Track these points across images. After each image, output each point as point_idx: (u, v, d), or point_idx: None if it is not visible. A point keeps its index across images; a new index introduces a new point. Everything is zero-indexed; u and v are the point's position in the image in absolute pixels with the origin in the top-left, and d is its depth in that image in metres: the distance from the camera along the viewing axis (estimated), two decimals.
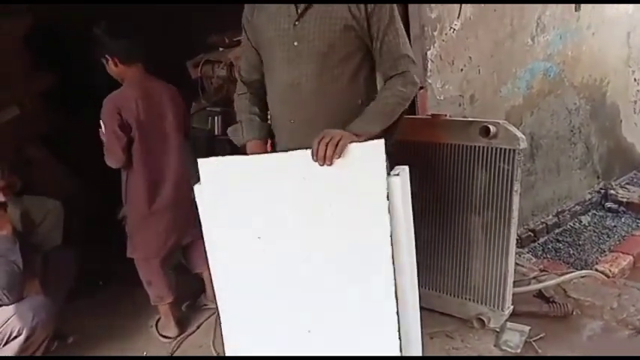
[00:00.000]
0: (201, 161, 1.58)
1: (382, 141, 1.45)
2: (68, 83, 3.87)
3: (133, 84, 2.26)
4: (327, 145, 1.44)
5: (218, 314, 1.78)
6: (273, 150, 1.81)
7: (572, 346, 2.02)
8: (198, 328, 2.49)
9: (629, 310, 2.21)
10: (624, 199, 3.58)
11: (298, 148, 1.61)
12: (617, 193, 3.66)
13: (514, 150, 2.02)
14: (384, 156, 1.45)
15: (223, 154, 2.75)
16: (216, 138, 2.84)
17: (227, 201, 1.59)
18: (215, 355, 2.24)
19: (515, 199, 2.06)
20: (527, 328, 2.11)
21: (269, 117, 1.83)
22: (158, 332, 2.45)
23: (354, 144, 1.47)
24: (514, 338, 2.07)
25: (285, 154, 1.58)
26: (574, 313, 2.23)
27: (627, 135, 3.91)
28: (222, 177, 1.58)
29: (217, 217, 1.61)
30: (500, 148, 2.04)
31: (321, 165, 1.46)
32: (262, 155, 1.68)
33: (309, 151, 1.48)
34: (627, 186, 3.79)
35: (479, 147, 2.10)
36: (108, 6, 3.15)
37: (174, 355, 2.29)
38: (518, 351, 2.01)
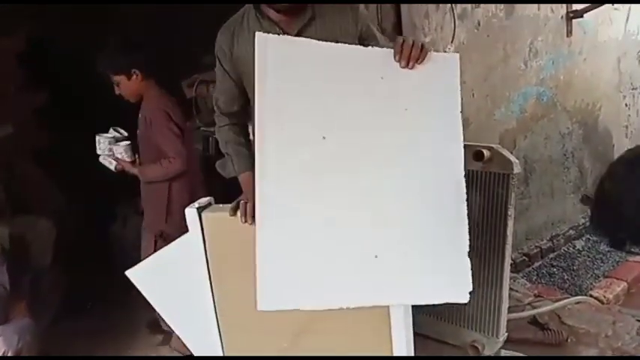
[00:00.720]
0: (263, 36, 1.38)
1: (457, 55, 1.40)
2: (60, 100, 3.87)
3: (157, 96, 2.29)
4: (411, 47, 1.37)
5: None
6: None
7: None
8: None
9: (624, 338, 2.19)
10: None
11: None
12: None
13: (508, 175, 2.01)
14: (458, 70, 1.39)
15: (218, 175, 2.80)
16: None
17: (291, 88, 1.40)
18: None
19: (510, 224, 2.04)
20: (521, 356, 2.08)
21: None
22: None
23: (433, 52, 1.40)
24: None
25: (365, 49, 1.44)
26: (569, 340, 2.21)
27: None
28: (290, 58, 1.40)
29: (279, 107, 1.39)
30: (494, 173, 2.04)
31: (403, 67, 1.37)
32: (337, 45, 1.42)
33: (391, 50, 1.39)
34: None
35: (472, 171, 2.09)
36: (98, 24, 3.16)
37: None
38: None
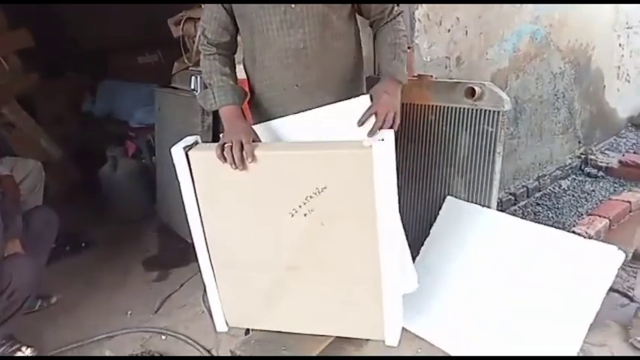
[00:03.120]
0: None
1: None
2: (46, 43, 3.76)
3: None
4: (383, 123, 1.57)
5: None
6: (256, 116, 1.79)
7: None
8: (181, 287, 2.51)
9: None
10: (603, 164, 3.63)
11: (299, 109, 1.67)
12: (597, 158, 3.70)
13: (498, 112, 2.02)
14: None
15: (207, 115, 2.77)
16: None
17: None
18: (204, 309, 2.26)
19: (498, 160, 2.07)
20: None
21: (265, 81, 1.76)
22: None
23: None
24: None
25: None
26: None
27: (609, 100, 3.94)
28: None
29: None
30: (485, 110, 2.04)
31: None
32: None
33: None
34: (607, 151, 3.84)
35: (464, 108, 2.09)
36: None
37: (157, 311, 2.31)
38: None
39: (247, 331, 2.02)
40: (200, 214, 1.67)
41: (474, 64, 2.75)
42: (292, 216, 1.57)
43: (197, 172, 1.61)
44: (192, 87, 2.77)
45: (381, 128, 1.57)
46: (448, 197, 2.10)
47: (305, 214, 1.55)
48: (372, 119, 1.59)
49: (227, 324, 1.86)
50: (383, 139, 1.46)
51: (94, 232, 3.13)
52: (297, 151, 1.55)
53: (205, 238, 1.72)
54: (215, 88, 1.66)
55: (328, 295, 1.66)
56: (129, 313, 2.32)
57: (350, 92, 1.73)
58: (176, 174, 1.65)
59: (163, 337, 2.11)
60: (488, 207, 2.12)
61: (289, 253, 1.64)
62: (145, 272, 2.72)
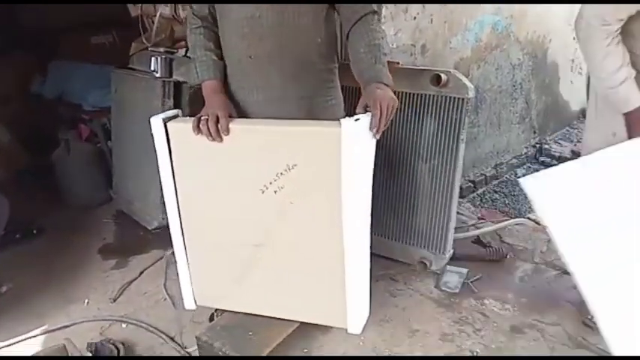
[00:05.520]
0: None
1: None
2: None
3: None
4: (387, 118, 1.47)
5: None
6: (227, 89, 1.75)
7: (506, 286, 2.16)
8: (141, 274, 2.44)
9: (556, 253, 2.35)
10: (557, 154, 3.78)
11: (254, 86, 1.65)
12: (551, 147, 3.86)
13: (463, 99, 2.05)
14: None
15: (169, 98, 2.69)
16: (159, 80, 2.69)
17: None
18: (167, 297, 2.21)
19: (461, 146, 2.11)
20: (465, 270, 2.23)
21: (226, 52, 1.71)
22: None
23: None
24: (453, 279, 2.19)
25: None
26: (508, 256, 2.38)
27: (563, 92, 4.10)
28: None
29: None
30: (450, 97, 2.07)
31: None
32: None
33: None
34: (560, 141, 4.01)
35: (429, 95, 2.12)
36: None
37: (116, 299, 2.24)
38: (457, 291, 2.13)
39: (211, 317, 1.99)
40: (175, 188, 1.68)
41: (438, 52, 2.79)
42: (263, 193, 1.56)
43: (175, 144, 1.63)
44: (153, 68, 2.67)
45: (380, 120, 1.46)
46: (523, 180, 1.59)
47: (275, 191, 1.55)
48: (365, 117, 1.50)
49: (195, 302, 1.83)
50: (358, 119, 1.44)
51: (46, 219, 2.98)
52: (271, 127, 1.55)
53: (179, 213, 1.71)
54: (197, 63, 1.67)
55: (294, 277, 1.65)
56: (86, 301, 2.24)
57: (315, 82, 1.69)
58: (154, 145, 1.65)
59: (124, 325, 2.05)
60: (451, 194, 2.17)
61: (259, 230, 1.63)
62: (102, 260, 2.61)
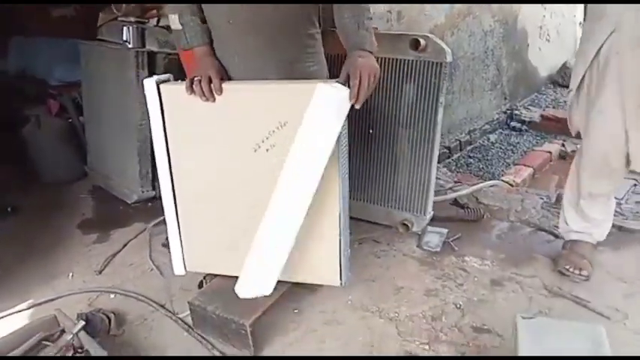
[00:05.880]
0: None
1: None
2: None
3: None
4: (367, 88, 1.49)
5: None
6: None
7: (484, 244, 2.25)
8: (124, 247, 2.42)
9: (530, 212, 2.48)
10: (527, 119, 3.90)
11: (234, 51, 1.65)
12: (521, 113, 3.97)
13: (441, 63, 2.09)
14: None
15: (142, 68, 2.63)
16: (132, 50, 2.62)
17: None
18: (154, 267, 2.21)
19: (440, 110, 2.16)
20: (445, 231, 2.30)
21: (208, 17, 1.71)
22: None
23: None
24: (434, 239, 2.27)
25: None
26: (485, 216, 2.47)
27: (532, 59, 4.20)
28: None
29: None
30: (429, 61, 2.10)
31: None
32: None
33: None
34: (529, 107, 4.13)
35: (408, 60, 2.14)
36: None
37: (101, 272, 2.23)
38: (438, 250, 2.21)
39: (200, 284, 2.01)
40: (167, 151, 1.70)
41: (414, 19, 2.81)
42: (255, 151, 1.60)
43: (167, 106, 1.66)
44: (125, 38, 2.61)
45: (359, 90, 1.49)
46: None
47: (267, 150, 1.59)
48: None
49: (185, 268, 1.85)
50: (335, 87, 1.47)
51: (20, 197, 2.92)
52: (263, 86, 1.59)
53: (171, 175, 1.73)
54: (187, 29, 1.68)
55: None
56: (70, 275, 2.22)
57: (294, 47, 1.68)
58: (146, 108, 1.68)
59: (112, 296, 2.05)
60: (431, 157, 2.22)
61: (251, 190, 1.65)
62: (82, 235, 2.58)
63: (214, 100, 1.59)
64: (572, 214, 2.04)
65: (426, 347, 1.70)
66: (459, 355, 1.66)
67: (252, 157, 1.60)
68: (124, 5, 2.83)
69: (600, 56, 1.76)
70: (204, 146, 1.65)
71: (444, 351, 1.68)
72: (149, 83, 1.64)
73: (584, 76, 1.85)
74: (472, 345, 1.70)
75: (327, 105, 1.46)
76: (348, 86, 1.51)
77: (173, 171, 1.72)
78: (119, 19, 2.84)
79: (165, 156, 1.70)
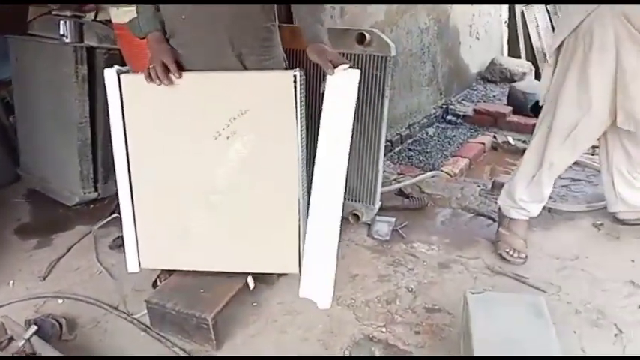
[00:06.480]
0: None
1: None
2: None
3: None
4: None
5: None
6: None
7: (430, 230, 2.38)
8: (68, 250, 2.33)
9: (469, 199, 2.64)
10: (461, 113, 4.11)
11: (189, 43, 1.66)
12: (456, 107, 4.18)
13: (386, 57, 2.18)
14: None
15: (82, 64, 2.53)
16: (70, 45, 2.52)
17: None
18: (102, 269, 2.15)
19: (386, 103, 2.25)
20: (393, 219, 2.40)
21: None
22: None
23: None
24: (383, 228, 2.36)
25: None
26: (429, 204, 2.60)
27: (464, 56, 4.43)
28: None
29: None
30: (374, 55, 2.18)
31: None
32: None
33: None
34: (463, 102, 4.35)
35: (354, 54, 2.21)
36: None
37: (46, 277, 2.14)
38: (388, 238, 2.30)
39: (154, 283, 1.98)
40: (126, 141, 1.68)
41: (356, 15, 2.90)
42: (215, 139, 1.62)
43: (127, 96, 1.66)
44: (62, 33, 2.50)
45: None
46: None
47: (228, 137, 1.61)
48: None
49: (140, 265, 1.82)
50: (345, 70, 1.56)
51: None
52: (223, 74, 1.62)
53: (129, 168, 1.71)
54: (140, 17, 1.69)
55: (245, 225, 1.70)
56: (12, 282, 2.11)
57: (249, 40, 1.70)
58: (105, 98, 1.68)
59: (60, 301, 1.97)
60: (378, 149, 2.31)
61: (211, 178, 1.67)
62: (20, 241, 2.46)
63: (171, 82, 1.60)
64: (521, 188, 2.12)
65: (383, 329, 1.78)
66: (414, 332, 1.75)
67: (213, 144, 1.62)
68: None
69: (583, 25, 1.83)
70: (164, 136, 1.66)
71: (400, 331, 1.77)
72: (110, 73, 1.64)
73: (561, 44, 1.92)
74: (425, 324, 1.80)
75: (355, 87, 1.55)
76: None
77: (131, 163, 1.70)
78: (53, 13, 2.71)
79: (124, 148, 1.68)
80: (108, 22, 2.54)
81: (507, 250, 2.12)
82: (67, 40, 2.51)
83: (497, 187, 2.75)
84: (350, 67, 1.57)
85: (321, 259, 1.62)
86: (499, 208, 2.25)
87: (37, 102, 2.75)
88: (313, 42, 1.64)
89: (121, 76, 1.65)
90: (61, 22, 2.49)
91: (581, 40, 1.86)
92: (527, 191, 2.13)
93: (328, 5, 2.66)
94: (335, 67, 1.57)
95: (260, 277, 1.91)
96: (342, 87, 1.53)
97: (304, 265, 1.65)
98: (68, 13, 2.62)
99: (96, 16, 2.69)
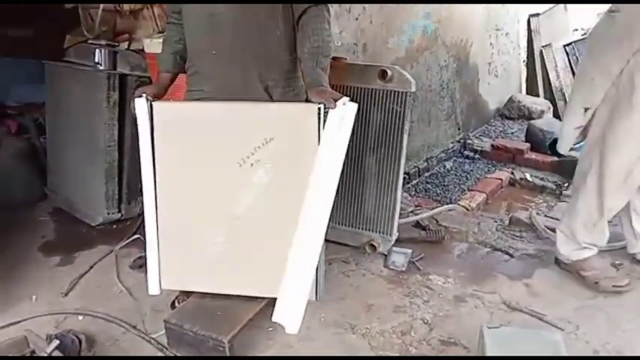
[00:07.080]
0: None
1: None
2: None
3: None
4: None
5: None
6: (194, 80, 1.82)
7: (447, 263, 2.38)
8: (91, 268, 2.38)
9: (486, 233, 2.65)
10: (479, 148, 4.15)
11: (216, 75, 1.76)
12: (474, 142, 4.22)
13: (406, 92, 2.25)
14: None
15: (114, 90, 2.64)
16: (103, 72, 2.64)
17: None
18: (123, 289, 2.19)
19: (405, 136, 2.31)
20: (409, 251, 2.42)
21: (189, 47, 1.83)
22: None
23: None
24: (400, 259, 2.37)
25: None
26: (445, 237, 2.61)
27: (482, 93, 4.49)
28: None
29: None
30: (395, 91, 2.26)
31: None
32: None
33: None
34: (481, 137, 4.39)
35: (376, 89, 2.29)
36: None
37: (67, 294, 2.18)
38: (404, 269, 2.31)
39: (173, 304, 2.01)
40: (154, 166, 1.75)
41: (377, 51, 2.99)
42: (240, 166, 1.68)
43: (158, 123, 1.73)
44: (97, 60, 2.62)
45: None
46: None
47: (252, 164, 1.67)
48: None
49: (160, 287, 1.85)
50: (344, 104, 1.58)
51: None
52: (251, 105, 1.71)
53: (155, 191, 1.76)
54: (160, 54, 1.84)
55: (262, 250, 1.73)
56: (34, 298, 2.16)
57: (275, 73, 1.77)
58: (135, 125, 1.75)
59: (80, 318, 2.01)
60: (396, 182, 2.35)
61: (233, 203, 1.72)
62: (44, 258, 2.51)
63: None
64: (582, 235, 2.15)
65: None
66: None
67: (237, 171, 1.68)
68: (97, 25, 2.85)
69: (625, 73, 1.87)
70: (191, 161, 1.72)
71: None
72: (141, 101, 1.71)
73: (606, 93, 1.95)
74: (440, 357, 1.79)
75: (339, 121, 1.58)
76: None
77: (157, 187, 1.75)
78: (89, 41, 2.85)
79: (152, 173, 1.74)
80: (140, 52, 2.67)
81: (614, 284, 2.11)
82: (101, 68, 2.63)
83: (514, 222, 2.76)
84: (350, 101, 1.60)
85: (297, 286, 1.64)
86: (562, 261, 2.25)
87: (68, 124, 2.87)
88: (314, 86, 1.68)
89: (154, 103, 1.73)
90: (97, 50, 2.62)
91: (622, 88, 1.90)
92: (590, 236, 2.16)
93: (350, 41, 2.76)
94: (335, 102, 1.60)
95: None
96: (341, 119, 1.58)
97: (280, 291, 1.67)
98: (103, 42, 2.76)
99: (129, 45, 2.83)
